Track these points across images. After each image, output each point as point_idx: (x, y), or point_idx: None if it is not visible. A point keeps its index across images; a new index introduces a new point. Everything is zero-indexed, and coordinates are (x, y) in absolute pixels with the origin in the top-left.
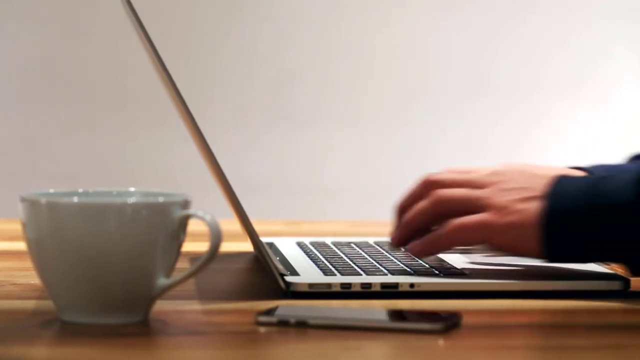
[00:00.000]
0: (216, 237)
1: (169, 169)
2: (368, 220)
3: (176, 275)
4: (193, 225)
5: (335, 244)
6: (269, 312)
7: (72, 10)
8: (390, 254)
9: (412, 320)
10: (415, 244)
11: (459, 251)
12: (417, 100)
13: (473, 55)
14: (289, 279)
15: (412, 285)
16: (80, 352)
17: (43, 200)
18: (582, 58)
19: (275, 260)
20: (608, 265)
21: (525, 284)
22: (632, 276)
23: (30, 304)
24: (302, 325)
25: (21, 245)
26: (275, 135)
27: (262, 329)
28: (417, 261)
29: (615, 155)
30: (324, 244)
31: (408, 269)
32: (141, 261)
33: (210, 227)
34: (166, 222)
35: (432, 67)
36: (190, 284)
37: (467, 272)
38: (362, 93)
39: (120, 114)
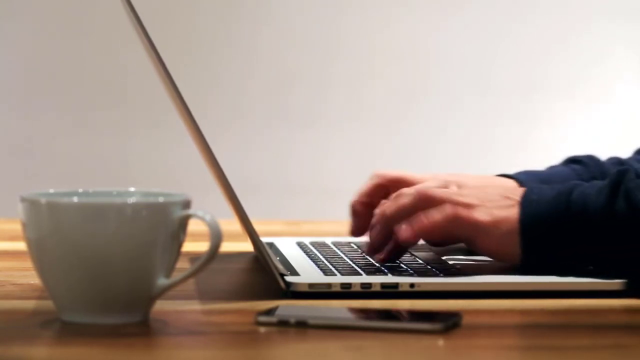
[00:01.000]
0: (216, 237)
1: (169, 169)
2: None
3: (176, 275)
4: (193, 225)
5: (335, 244)
6: (269, 312)
7: (71, 10)
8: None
9: (412, 320)
10: (403, 228)
11: (433, 249)
12: (417, 100)
13: (473, 55)
14: (289, 279)
15: (412, 285)
16: (80, 352)
17: (43, 200)
18: (582, 58)
19: (275, 260)
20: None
21: (525, 284)
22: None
23: (30, 304)
24: (302, 325)
25: (21, 245)
26: (276, 135)
27: (262, 329)
28: (417, 261)
29: (615, 154)
30: (324, 244)
31: (408, 269)
32: (141, 261)
33: (210, 227)
34: (166, 222)
35: (432, 67)
36: (190, 284)
37: (467, 272)
38: (362, 93)
39: (120, 114)
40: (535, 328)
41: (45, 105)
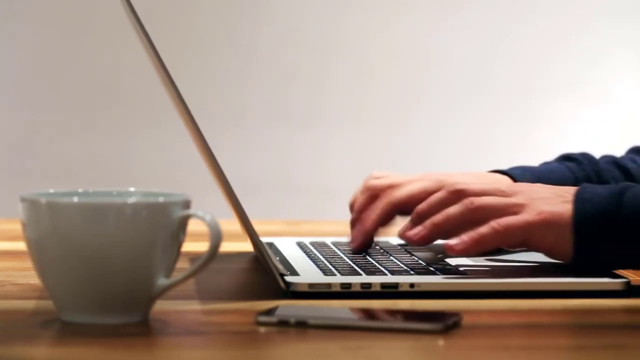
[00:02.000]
0: (216, 237)
1: (169, 169)
2: None
3: (176, 275)
4: (193, 225)
5: (335, 244)
6: (269, 312)
7: (71, 10)
8: (390, 254)
9: (412, 320)
10: (456, 243)
11: (496, 253)
12: (417, 99)
13: (473, 55)
14: (289, 279)
15: (412, 285)
16: (80, 352)
17: (43, 200)
18: (581, 58)
19: (275, 260)
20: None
21: (525, 284)
22: None
23: (30, 304)
24: (302, 325)
25: (21, 245)
26: (276, 135)
27: (262, 329)
28: (417, 261)
29: (616, 154)
30: (324, 244)
31: (408, 269)
32: (141, 261)
33: (210, 227)
34: (166, 222)
35: (432, 67)
36: (190, 284)
37: (467, 272)
38: (362, 93)
39: (120, 114)
40: (535, 328)
41: (45, 105)
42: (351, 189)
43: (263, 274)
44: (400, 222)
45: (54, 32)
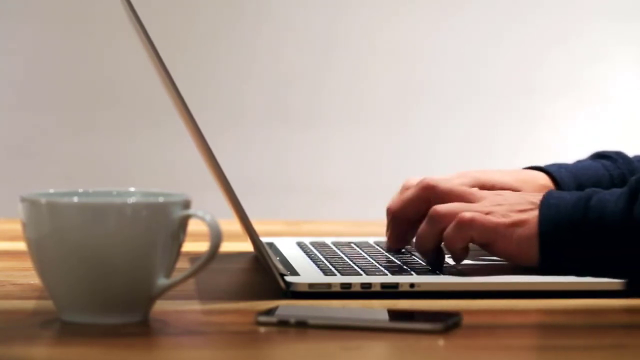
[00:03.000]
0: (216, 237)
1: (169, 169)
2: (368, 220)
3: (176, 275)
4: (193, 225)
5: (335, 244)
6: (269, 312)
7: (71, 10)
8: (390, 254)
9: (412, 320)
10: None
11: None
12: (417, 99)
13: (473, 55)
14: (289, 279)
15: (412, 285)
16: (80, 352)
17: (43, 200)
18: (581, 58)
19: (275, 260)
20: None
21: (525, 284)
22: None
23: (30, 304)
24: (302, 325)
25: (21, 245)
26: (276, 135)
27: (262, 329)
28: (417, 261)
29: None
30: (324, 244)
31: (408, 269)
32: (141, 261)
33: (210, 227)
34: (166, 222)
35: (432, 67)
36: (190, 284)
37: (467, 272)
38: (362, 93)
39: (120, 114)
40: (535, 328)
41: (45, 105)
42: (351, 189)
43: (263, 274)
44: None
45: (54, 32)
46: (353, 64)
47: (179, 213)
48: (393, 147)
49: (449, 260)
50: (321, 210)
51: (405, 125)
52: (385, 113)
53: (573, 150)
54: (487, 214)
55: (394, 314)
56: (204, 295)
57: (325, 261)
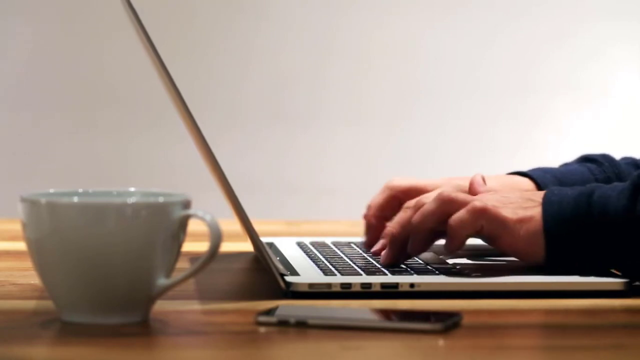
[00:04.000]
0: (216, 237)
1: (169, 169)
2: None
3: (176, 275)
4: (193, 225)
5: (335, 244)
6: (269, 312)
7: (71, 10)
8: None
9: (412, 320)
10: (447, 243)
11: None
12: (416, 99)
13: (472, 55)
14: (289, 279)
15: (412, 285)
16: (80, 352)
17: (43, 200)
18: (580, 57)
19: (275, 260)
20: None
21: (525, 284)
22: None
23: (30, 304)
24: (302, 325)
25: (21, 245)
26: (276, 135)
27: (262, 329)
28: (417, 261)
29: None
30: (324, 244)
31: (408, 269)
32: (141, 261)
33: (210, 227)
34: (166, 222)
35: (431, 66)
36: (190, 284)
37: (467, 271)
38: (362, 93)
39: (120, 114)
40: (536, 328)
41: (45, 105)
42: (351, 189)
43: (263, 274)
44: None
45: (54, 31)
46: (352, 64)
47: (179, 213)
48: (392, 147)
49: (448, 260)
50: (321, 210)
51: (404, 125)
52: (385, 113)
53: (572, 149)
54: (497, 207)
55: (394, 314)
56: (204, 295)
57: (325, 261)
